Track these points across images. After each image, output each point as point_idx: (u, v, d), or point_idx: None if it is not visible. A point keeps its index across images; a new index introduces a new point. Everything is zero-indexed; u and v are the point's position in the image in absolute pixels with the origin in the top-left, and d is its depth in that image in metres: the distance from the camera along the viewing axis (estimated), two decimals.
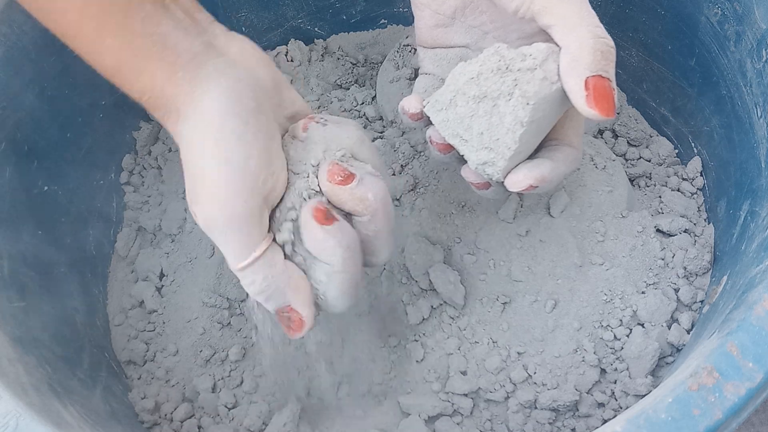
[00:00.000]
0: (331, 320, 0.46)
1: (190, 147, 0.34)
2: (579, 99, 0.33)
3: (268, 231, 0.35)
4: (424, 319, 0.47)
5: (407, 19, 0.64)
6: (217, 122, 0.33)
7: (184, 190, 0.54)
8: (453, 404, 0.45)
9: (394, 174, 0.52)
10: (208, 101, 0.34)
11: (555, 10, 0.34)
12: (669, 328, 0.45)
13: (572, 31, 0.34)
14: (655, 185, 0.53)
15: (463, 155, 0.38)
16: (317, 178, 0.36)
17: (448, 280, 0.46)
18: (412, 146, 0.53)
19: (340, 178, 0.35)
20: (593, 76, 0.33)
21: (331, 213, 0.35)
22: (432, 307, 0.47)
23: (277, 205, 0.36)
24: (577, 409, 0.44)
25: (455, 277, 0.46)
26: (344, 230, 0.35)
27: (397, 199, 0.51)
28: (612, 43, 0.34)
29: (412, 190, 0.51)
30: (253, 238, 0.34)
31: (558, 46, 0.35)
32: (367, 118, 0.57)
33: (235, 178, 0.33)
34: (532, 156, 0.38)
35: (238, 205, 0.33)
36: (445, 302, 0.47)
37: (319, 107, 0.58)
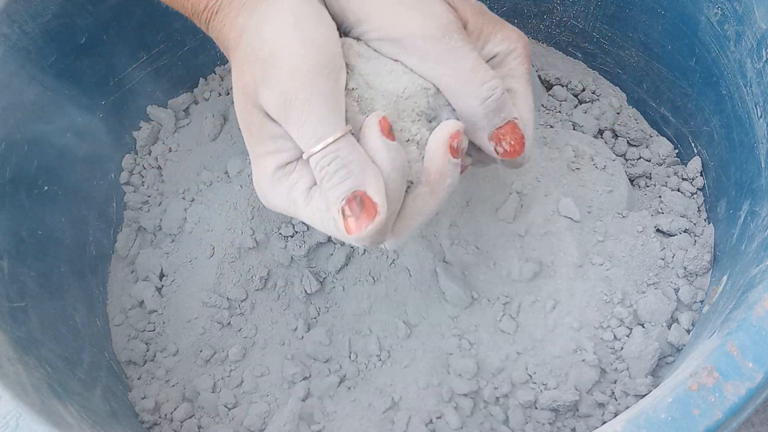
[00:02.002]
0: (332, 322, 0.46)
1: (261, 29, 0.33)
2: (493, 155, 0.35)
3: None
4: (423, 319, 0.47)
5: None
6: (296, 6, 0.33)
7: (185, 190, 0.54)
8: (453, 404, 0.45)
9: None
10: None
11: (440, 81, 0.34)
12: (669, 328, 0.45)
13: (458, 99, 0.34)
14: (655, 185, 0.53)
15: None
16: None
17: (449, 280, 0.46)
18: None
19: (512, 143, 0.34)
20: (492, 132, 0.35)
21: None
22: (432, 306, 0.47)
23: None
24: (577, 409, 0.44)
25: (456, 278, 0.46)
26: (400, 154, 0.33)
27: None
28: (497, 83, 0.34)
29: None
30: (339, 115, 0.33)
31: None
32: None
33: (319, 56, 0.32)
34: None
35: (322, 81, 0.32)
36: (446, 301, 0.47)
37: None
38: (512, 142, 0.35)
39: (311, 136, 0.32)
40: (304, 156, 0.33)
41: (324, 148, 0.32)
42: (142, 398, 0.48)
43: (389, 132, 0.33)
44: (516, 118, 0.35)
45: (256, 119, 0.34)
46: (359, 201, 0.32)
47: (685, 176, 0.52)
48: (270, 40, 0.33)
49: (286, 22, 0.33)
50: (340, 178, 0.32)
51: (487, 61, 0.36)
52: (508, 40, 0.37)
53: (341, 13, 0.36)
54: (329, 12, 0.35)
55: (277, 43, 0.33)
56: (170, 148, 0.58)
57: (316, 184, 0.34)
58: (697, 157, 0.52)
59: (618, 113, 0.56)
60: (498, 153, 0.35)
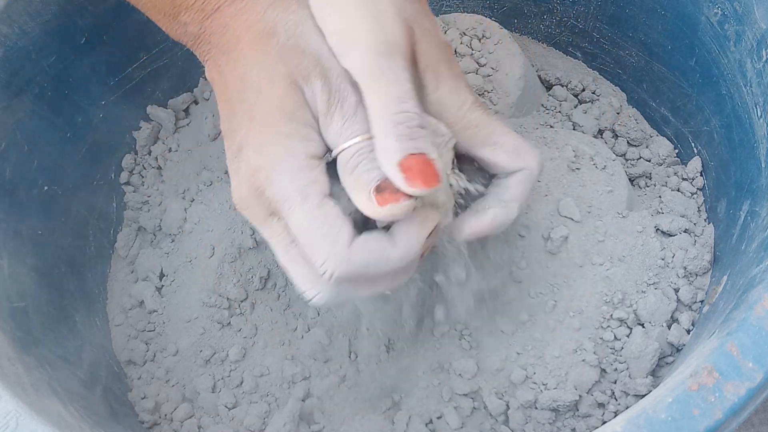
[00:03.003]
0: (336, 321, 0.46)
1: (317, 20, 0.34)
2: (401, 183, 0.32)
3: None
4: (423, 319, 0.47)
5: None
6: None
7: (185, 190, 0.54)
8: (453, 404, 0.45)
9: None
10: None
11: (365, 98, 0.33)
12: (669, 328, 0.45)
13: (375, 121, 0.33)
14: (655, 185, 0.53)
15: None
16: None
17: (451, 280, 0.46)
18: None
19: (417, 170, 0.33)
20: (404, 158, 0.32)
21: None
22: (433, 307, 0.47)
23: None
24: (577, 409, 0.44)
25: (460, 278, 0.46)
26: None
27: None
28: (410, 108, 0.33)
29: None
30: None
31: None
32: None
33: (386, 39, 0.33)
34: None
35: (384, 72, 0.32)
36: (447, 302, 0.47)
37: None
38: (420, 169, 0.32)
39: (350, 133, 0.32)
40: (335, 152, 0.33)
41: (357, 143, 0.32)
42: (142, 398, 0.48)
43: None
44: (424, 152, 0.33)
45: (297, 101, 0.33)
46: (388, 185, 0.32)
47: (685, 176, 0.52)
48: (336, 31, 0.33)
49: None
50: (372, 167, 0.32)
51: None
52: (458, 95, 0.36)
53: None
54: None
55: (346, 28, 0.32)
56: (170, 148, 0.58)
57: (330, 193, 0.33)
58: (697, 157, 0.52)
59: (618, 113, 0.56)
60: (407, 182, 0.33)
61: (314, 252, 0.33)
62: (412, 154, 0.32)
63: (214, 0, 0.34)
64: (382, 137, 0.32)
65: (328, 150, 0.34)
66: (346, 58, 0.33)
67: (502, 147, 0.36)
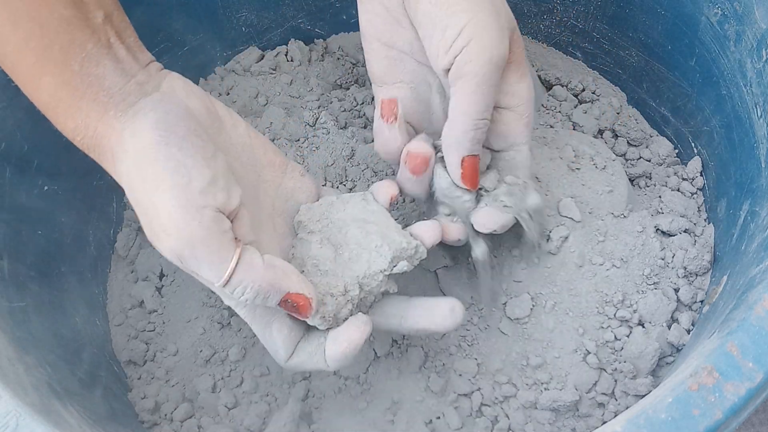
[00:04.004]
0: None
1: (132, 185, 0.34)
2: (455, 173, 0.40)
3: (235, 238, 0.35)
4: None
5: None
6: (151, 154, 0.34)
7: None
8: (453, 404, 0.45)
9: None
10: (138, 136, 0.34)
11: (453, 92, 0.38)
12: (669, 328, 0.45)
13: (458, 117, 0.38)
14: (655, 185, 0.53)
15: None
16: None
17: (449, 281, 0.46)
18: None
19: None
20: (467, 156, 0.39)
21: None
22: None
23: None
24: (577, 410, 0.44)
25: (462, 278, 0.46)
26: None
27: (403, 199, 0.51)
28: (486, 122, 0.39)
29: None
30: (223, 250, 0.34)
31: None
32: (367, 118, 0.57)
33: (181, 203, 0.33)
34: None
35: (194, 227, 0.33)
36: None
37: (319, 107, 0.58)
38: (473, 171, 0.40)
39: (212, 277, 0.34)
40: (216, 288, 0.36)
41: (227, 281, 0.34)
42: (142, 398, 0.48)
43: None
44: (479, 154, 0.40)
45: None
46: (291, 304, 0.36)
47: (685, 176, 0.52)
48: (138, 198, 0.34)
49: (146, 179, 0.34)
50: (261, 299, 0.35)
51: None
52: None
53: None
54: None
55: (146, 200, 0.34)
56: None
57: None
58: (697, 157, 0.52)
59: (618, 113, 0.56)
60: (461, 177, 0.40)
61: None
62: (472, 155, 0.39)
63: (102, 127, 0.35)
64: (461, 132, 0.38)
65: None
66: (463, 57, 0.37)
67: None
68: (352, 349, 0.37)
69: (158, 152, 0.34)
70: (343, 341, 0.37)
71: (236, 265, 0.34)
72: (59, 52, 0.33)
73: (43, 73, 0.33)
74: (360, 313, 0.39)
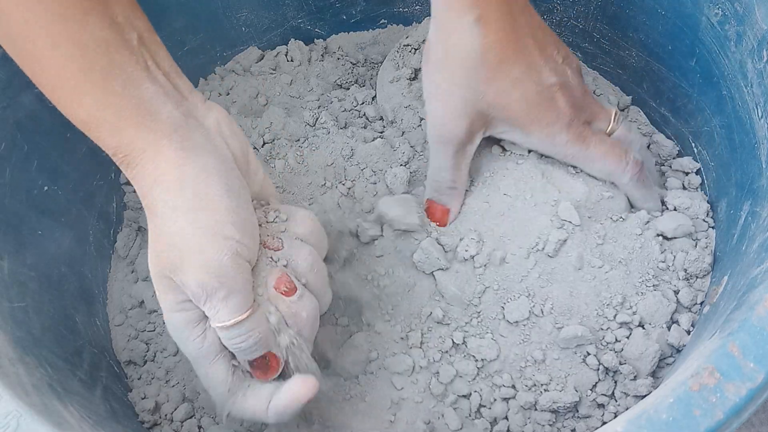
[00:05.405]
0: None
1: (173, 215, 0.35)
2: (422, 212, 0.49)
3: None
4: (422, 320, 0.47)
5: (407, 19, 0.64)
6: (203, 192, 0.35)
7: None
8: (453, 404, 0.45)
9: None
10: (193, 171, 0.35)
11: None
12: (669, 330, 0.45)
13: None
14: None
15: None
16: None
17: (447, 282, 0.46)
18: (411, 146, 0.53)
19: (285, 288, 0.39)
20: (429, 200, 0.48)
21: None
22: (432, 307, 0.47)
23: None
24: (577, 411, 0.44)
25: (459, 279, 0.46)
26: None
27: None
28: (445, 176, 0.47)
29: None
30: (248, 296, 0.37)
31: None
32: (367, 118, 0.57)
33: (224, 248, 0.35)
34: None
35: (231, 272, 0.36)
36: (448, 304, 0.47)
37: (319, 107, 0.58)
38: (434, 215, 0.49)
39: (228, 314, 0.36)
40: (212, 325, 0.37)
41: (242, 321, 0.37)
42: (142, 398, 0.48)
43: None
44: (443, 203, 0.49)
45: (168, 284, 0.37)
46: (266, 362, 0.39)
47: (685, 183, 0.52)
48: (175, 229, 0.35)
49: (197, 217, 0.35)
50: (258, 347, 0.38)
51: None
52: None
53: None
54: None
55: (187, 236, 0.35)
56: None
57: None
58: (697, 157, 0.52)
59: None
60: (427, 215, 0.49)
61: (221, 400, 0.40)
62: (434, 201, 0.48)
63: (122, 158, 0.36)
64: (426, 189, 0.49)
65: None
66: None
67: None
68: (296, 406, 0.38)
69: (210, 191, 0.36)
70: (289, 396, 0.38)
71: (255, 311, 0.37)
72: (100, 74, 0.34)
73: (83, 94, 0.34)
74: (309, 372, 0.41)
